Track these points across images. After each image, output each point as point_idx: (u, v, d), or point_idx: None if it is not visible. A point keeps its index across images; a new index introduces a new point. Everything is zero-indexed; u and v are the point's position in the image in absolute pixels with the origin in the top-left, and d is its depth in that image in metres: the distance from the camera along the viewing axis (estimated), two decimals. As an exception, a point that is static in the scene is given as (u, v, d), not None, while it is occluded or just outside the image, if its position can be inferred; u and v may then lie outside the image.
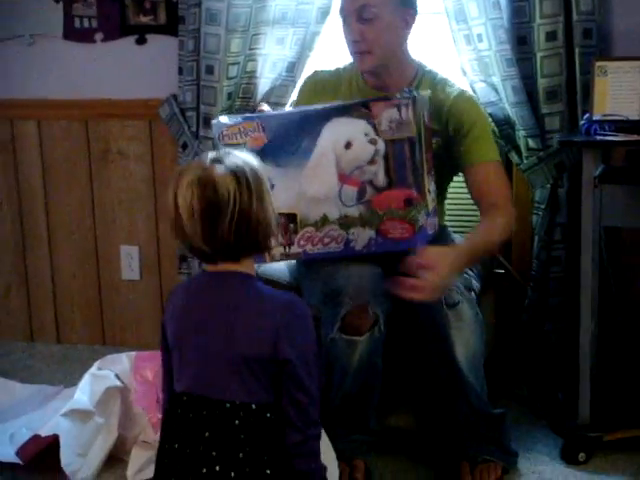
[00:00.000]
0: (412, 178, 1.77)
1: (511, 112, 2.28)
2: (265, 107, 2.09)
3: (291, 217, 1.83)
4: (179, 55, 2.51)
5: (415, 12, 2.01)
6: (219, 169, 1.39)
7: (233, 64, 2.40)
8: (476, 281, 2.03)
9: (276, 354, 1.41)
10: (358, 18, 1.96)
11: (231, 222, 1.38)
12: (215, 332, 1.43)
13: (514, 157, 2.34)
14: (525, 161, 2.31)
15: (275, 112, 2.03)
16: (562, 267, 2.32)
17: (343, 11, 1.99)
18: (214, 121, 1.88)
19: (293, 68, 2.42)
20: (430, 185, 1.86)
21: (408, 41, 2.06)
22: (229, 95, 2.42)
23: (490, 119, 2.30)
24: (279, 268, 2.16)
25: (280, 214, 1.75)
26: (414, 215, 1.78)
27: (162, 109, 2.59)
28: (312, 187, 1.82)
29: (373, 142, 1.78)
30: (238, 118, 1.86)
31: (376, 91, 2.03)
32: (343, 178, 1.81)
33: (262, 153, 1.76)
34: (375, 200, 1.81)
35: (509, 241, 2.43)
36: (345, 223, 1.82)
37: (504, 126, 2.32)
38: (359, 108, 1.77)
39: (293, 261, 2.08)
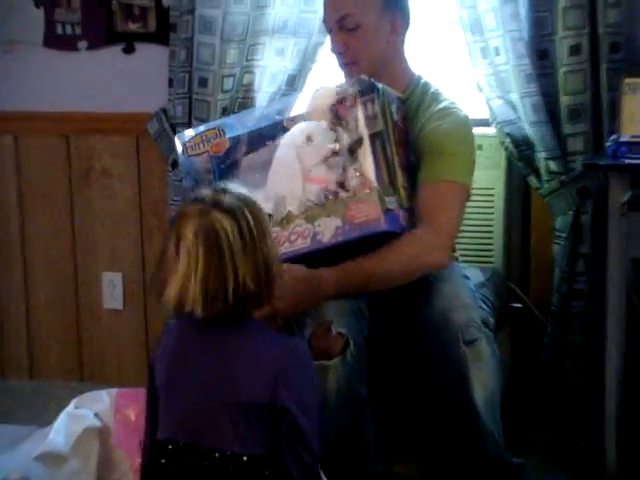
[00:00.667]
0: (386, 173, 1.80)
1: (530, 132, 2.28)
2: None
3: None
4: (170, 66, 2.52)
5: (405, 16, 2.05)
6: (220, 214, 1.41)
7: (228, 76, 2.42)
8: (490, 316, 2.02)
9: (274, 401, 1.41)
10: (341, 28, 2.01)
11: (236, 277, 1.39)
12: (210, 375, 1.43)
13: (533, 181, 2.34)
14: (545, 185, 2.31)
15: (237, 115, 2.08)
16: (585, 302, 2.32)
17: (325, 22, 2.06)
18: (177, 135, 1.94)
19: (294, 81, 2.43)
20: (404, 182, 1.87)
21: (404, 49, 2.09)
22: (224, 110, 2.42)
23: (508, 139, 2.32)
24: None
25: None
26: (380, 195, 1.79)
27: (150, 124, 2.59)
28: (277, 186, 1.86)
29: (333, 129, 1.81)
30: (200, 127, 1.94)
31: None
32: (306, 175, 1.84)
33: (225, 159, 1.85)
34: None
35: (527, 272, 2.47)
36: (310, 216, 1.84)
37: (523, 147, 2.32)
38: (324, 113, 1.83)
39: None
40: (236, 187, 1.48)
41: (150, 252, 2.71)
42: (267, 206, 1.81)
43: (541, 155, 2.29)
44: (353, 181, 1.81)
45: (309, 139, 1.84)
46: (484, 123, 2.34)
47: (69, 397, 2.15)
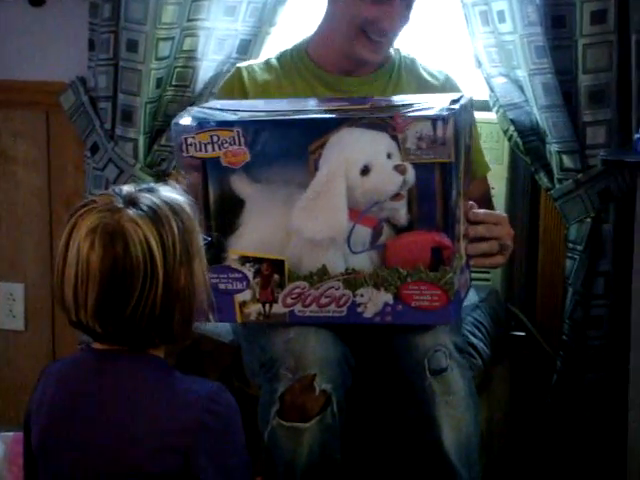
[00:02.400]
0: (442, 218, 1.76)
1: (540, 118, 2.28)
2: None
3: (276, 265, 1.81)
4: (90, 24, 2.50)
5: None
6: (133, 214, 1.40)
7: (165, 39, 2.40)
8: (484, 344, 2.06)
9: (188, 470, 1.39)
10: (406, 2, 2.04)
11: (141, 296, 1.38)
12: (101, 438, 1.41)
13: (543, 180, 2.34)
14: (558, 185, 2.31)
15: (257, 110, 1.94)
16: (604, 331, 2.31)
17: None
18: (174, 122, 1.84)
19: (247, 48, 2.43)
20: (463, 228, 1.86)
21: None
22: (158, 81, 2.42)
23: (512, 127, 2.33)
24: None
25: (261, 260, 1.78)
26: (450, 278, 1.76)
27: (65, 97, 2.57)
28: (311, 225, 1.80)
29: (401, 171, 1.75)
30: (209, 121, 1.81)
31: (340, 77, 2.12)
32: (356, 216, 1.78)
33: (239, 170, 1.78)
34: (391, 245, 1.79)
35: (532, 293, 2.47)
36: (352, 280, 1.80)
37: (531, 137, 2.32)
38: (378, 116, 1.76)
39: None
40: (169, 190, 1.46)
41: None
42: (288, 249, 1.79)
43: (553, 148, 2.28)
44: (407, 223, 1.77)
45: (366, 170, 1.76)
46: (483, 107, 2.33)
47: (-49, 442, 2.11)
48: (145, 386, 1.43)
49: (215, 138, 1.78)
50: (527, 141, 2.32)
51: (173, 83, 2.43)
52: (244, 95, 2.11)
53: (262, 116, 1.82)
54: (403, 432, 1.89)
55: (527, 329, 2.37)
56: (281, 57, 2.16)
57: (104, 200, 1.42)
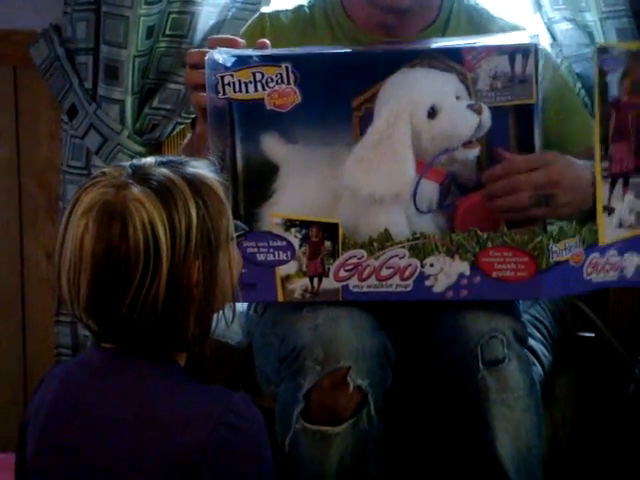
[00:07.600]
0: None
1: None
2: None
3: (328, 230, 1.75)
4: None
5: None
6: (139, 191, 1.36)
7: None
8: (545, 348, 2.01)
9: None
10: None
11: (139, 291, 1.34)
12: (99, 453, 1.38)
13: None
14: None
15: (306, 48, 1.92)
16: None
17: None
18: (208, 58, 1.76)
19: None
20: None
21: None
22: (149, 30, 2.36)
23: (579, 84, 2.27)
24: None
25: (309, 224, 1.72)
26: (540, 242, 1.70)
27: (35, 49, 2.50)
28: (370, 180, 1.76)
29: (477, 110, 1.70)
30: (252, 55, 1.77)
31: (379, 36, 2.01)
32: (423, 167, 1.73)
33: (284, 118, 1.75)
34: (461, 205, 1.75)
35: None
36: (420, 247, 1.75)
37: None
38: (443, 57, 1.73)
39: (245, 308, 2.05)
40: (198, 165, 1.42)
41: (33, 244, 2.64)
42: (341, 210, 1.75)
43: (630, 111, 2.27)
44: (472, 180, 1.73)
45: (433, 113, 1.72)
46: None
47: None
48: (154, 393, 1.40)
49: (259, 76, 1.74)
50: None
51: (167, 32, 2.37)
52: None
53: (311, 52, 1.83)
54: (450, 439, 1.84)
55: (597, 329, 2.28)
56: (314, 5, 2.06)
57: (113, 173, 1.38)
